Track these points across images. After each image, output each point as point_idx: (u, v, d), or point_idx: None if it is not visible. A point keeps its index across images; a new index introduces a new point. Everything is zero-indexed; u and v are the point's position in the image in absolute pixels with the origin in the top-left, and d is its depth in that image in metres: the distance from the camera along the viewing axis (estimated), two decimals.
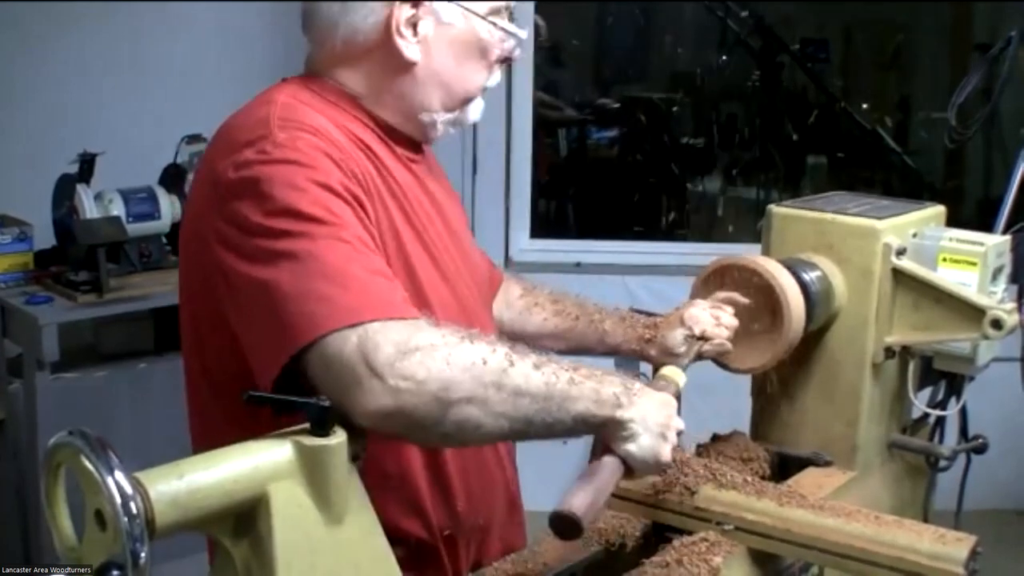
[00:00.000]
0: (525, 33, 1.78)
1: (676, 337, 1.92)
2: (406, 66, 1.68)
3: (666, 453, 1.55)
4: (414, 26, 1.66)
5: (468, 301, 1.79)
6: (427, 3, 1.65)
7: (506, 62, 1.79)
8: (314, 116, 1.62)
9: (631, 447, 1.53)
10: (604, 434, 1.54)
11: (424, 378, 1.39)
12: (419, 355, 1.40)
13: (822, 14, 6.80)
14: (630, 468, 1.55)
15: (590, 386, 1.50)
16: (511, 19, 1.76)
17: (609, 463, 1.54)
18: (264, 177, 1.49)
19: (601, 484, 1.51)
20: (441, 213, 1.80)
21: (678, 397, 1.66)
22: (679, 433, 1.58)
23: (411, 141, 1.78)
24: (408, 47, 1.66)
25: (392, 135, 1.74)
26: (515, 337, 1.98)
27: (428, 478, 1.72)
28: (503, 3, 1.73)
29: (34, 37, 3.93)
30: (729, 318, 1.88)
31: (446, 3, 1.67)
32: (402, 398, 1.39)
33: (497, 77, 1.79)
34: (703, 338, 1.88)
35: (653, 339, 1.98)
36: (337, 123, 1.65)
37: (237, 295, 1.52)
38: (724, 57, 6.55)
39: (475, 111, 1.79)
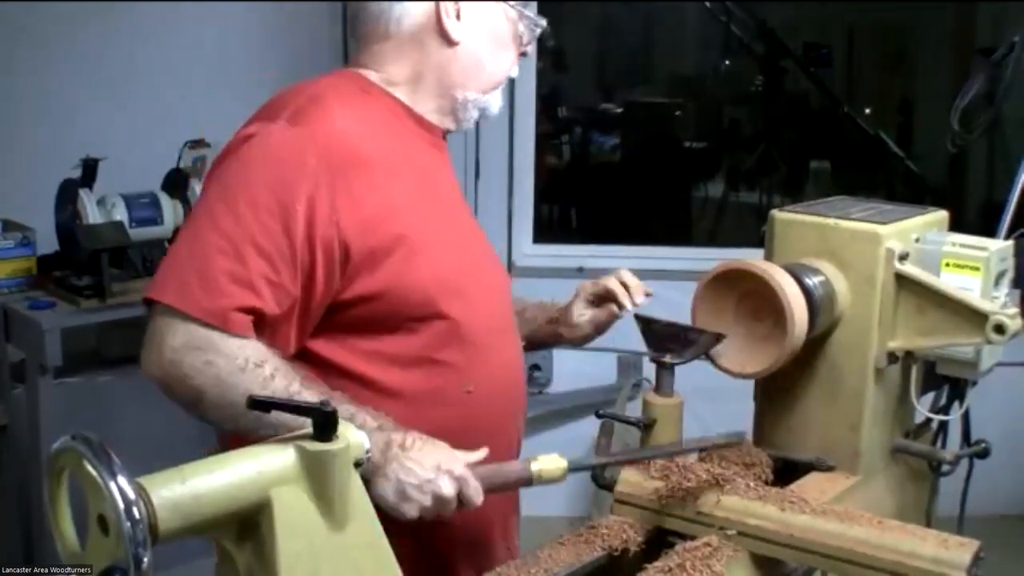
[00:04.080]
0: (542, 22, 1.99)
1: (575, 308, 2.17)
2: (450, 45, 1.89)
3: (408, 510, 1.65)
4: (458, 9, 1.88)
5: (486, 265, 2.01)
6: None
7: (521, 56, 2.00)
8: (339, 111, 1.80)
9: (376, 490, 1.63)
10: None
11: (194, 384, 1.68)
12: (196, 364, 1.66)
13: (825, 19, 6.80)
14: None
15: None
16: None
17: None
18: (241, 156, 1.75)
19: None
20: (454, 196, 2.03)
21: (527, 483, 1.74)
22: (440, 498, 1.66)
23: (436, 133, 1.96)
24: (454, 27, 1.88)
25: (421, 124, 1.93)
26: None
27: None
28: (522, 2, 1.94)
29: (37, 42, 3.93)
30: (630, 276, 2.11)
31: None
32: (166, 381, 1.72)
33: (516, 68, 2.00)
34: (602, 300, 2.11)
35: (559, 319, 2.18)
36: (370, 114, 1.85)
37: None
38: (727, 62, 6.55)
39: (496, 101, 1.98)
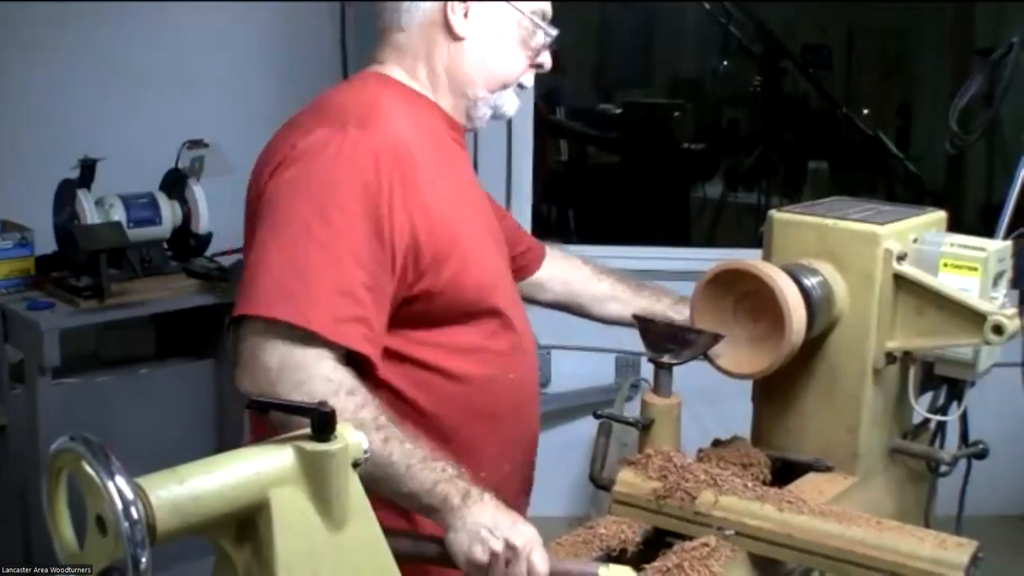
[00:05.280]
0: (554, 33, 2.02)
1: None
2: (456, 41, 1.95)
3: (479, 552, 1.67)
4: (466, 8, 1.94)
5: (506, 262, 2.10)
6: None
7: (538, 68, 2.04)
8: (394, 122, 1.84)
9: (449, 535, 1.69)
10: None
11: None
12: (291, 381, 1.65)
13: (824, 20, 6.80)
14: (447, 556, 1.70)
15: (426, 480, 1.69)
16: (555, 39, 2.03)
17: (432, 546, 1.73)
18: (321, 163, 1.75)
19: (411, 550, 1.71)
20: (479, 190, 2.11)
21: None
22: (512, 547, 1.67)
23: (458, 129, 2.03)
24: (460, 25, 1.94)
25: (446, 120, 1.99)
26: (581, 300, 2.39)
27: None
28: (540, 5, 1.99)
29: (35, 42, 3.93)
30: None
31: None
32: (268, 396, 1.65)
33: (531, 78, 2.05)
34: None
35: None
36: (412, 115, 1.91)
37: (255, 245, 1.76)
38: (726, 63, 6.55)
39: (510, 103, 2.03)
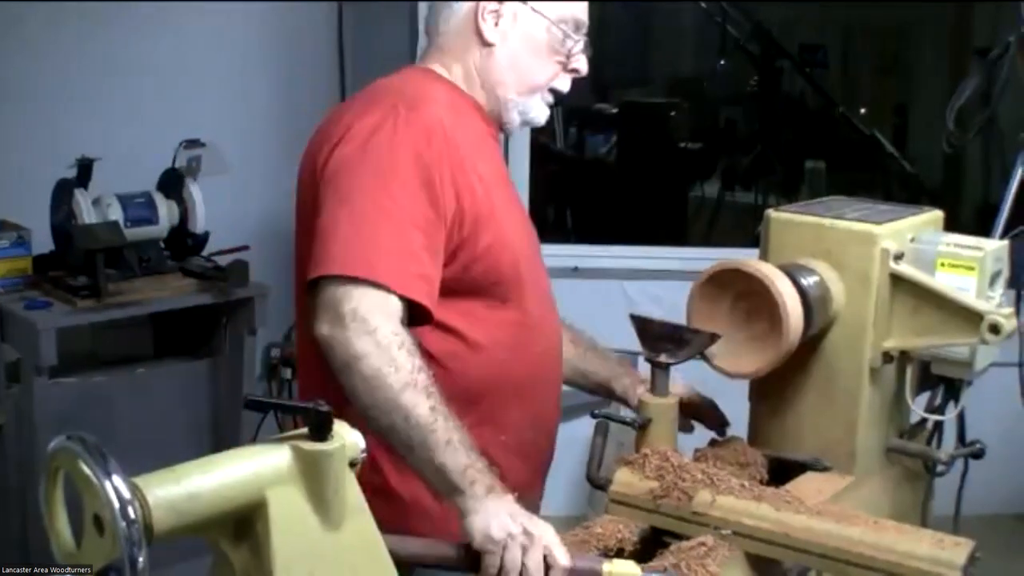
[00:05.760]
0: (581, 40, 2.09)
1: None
2: (487, 46, 2.06)
3: (496, 530, 1.69)
4: (497, 16, 2.04)
5: (537, 247, 2.18)
6: (508, 3, 2.04)
7: (574, 73, 2.11)
8: (437, 107, 1.96)
9: (469, 518, 1.72)
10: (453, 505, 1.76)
11: (351, 350, 1.75)
12: (360, 329, 1.75)
13: (821, 20, 6.80)
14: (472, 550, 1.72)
15: (452, 457, 1.73)
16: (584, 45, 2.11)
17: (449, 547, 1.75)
18: (379, 140, 1.88)
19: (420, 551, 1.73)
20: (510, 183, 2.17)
21: None
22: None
23: (493, 125, 2.13)
24: (489, 32, 2.05)
25: (483, 116, 2.10)
26: None
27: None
28: (571, 14, 2.07)
29: (31, 41, 3.92)
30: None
31: (520, 4, 2.04)
32: (328, 343, 1.77)
33: (566, 83, 2.12)
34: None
35: (620, 390, 2.29)
36: (454, 105, 2.02)
37: (324, 215, 1.88)
38: (723, 62, 6.54)
39: (539, 110, 2.11)
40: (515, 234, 2.05)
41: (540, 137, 5.29)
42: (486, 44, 2.06)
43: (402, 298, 1.80)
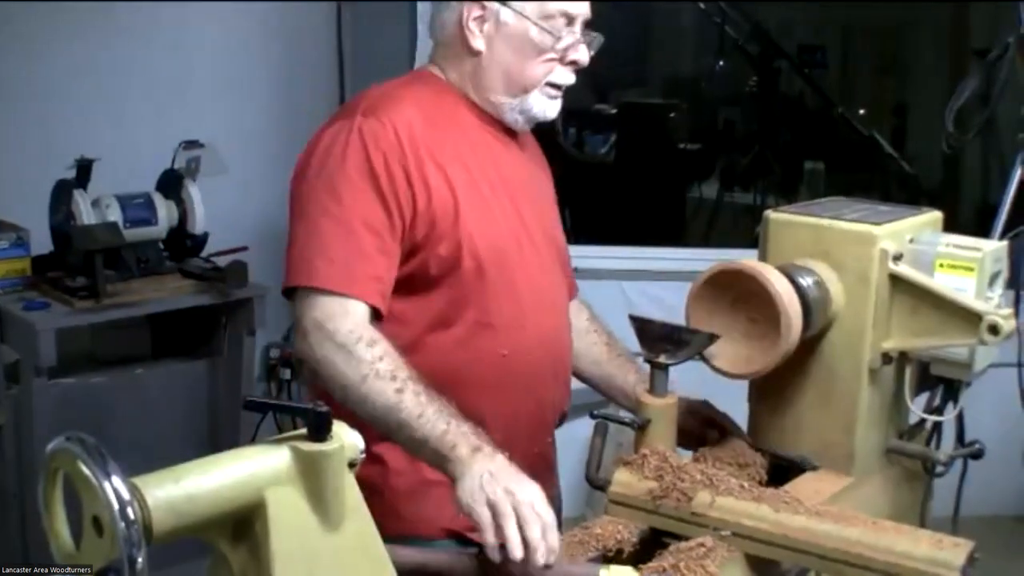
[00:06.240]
0: (571, 35, 2.07)
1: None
2: (474, 54, 2.07)
3: (479, 499, 1.70)
4: (482, 23, 2.05)
5: (543, 249, 2.15)
6: (490, 6, 2.04)
7: (573, 65, 2.10)
8: (403, 107, 2.01)
9: (457, 487, 1.75)
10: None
11: (314, 357, 1.87)
12: (320, 336, 1.86)
13: (819, 20, 6.80)
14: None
15: (438, 427, 1.79)
16: (585, 26, 2.09)
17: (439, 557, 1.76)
18: (332, 151, 1.96)
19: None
20: (519, 183, 2.15)
21: None
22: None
23: (497, 127, 2.13)
24: (474, 39, 2.06)
25: (482, 117, 2.12)
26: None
27: None
28: (558, 8, 2.04)
29: (31, 41, 3.92)
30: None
31: (503, 7, 2.04)
32: (303, 355, 1.89)
33: (566, 76, 2.10)
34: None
35: (627, 393, 2.24)
36: (434, 104, 2.06)
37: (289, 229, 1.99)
38: (721, 63, 6.54)
39: (540, 105, 2.10)
40: (494, 234, 2.04)
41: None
42: (473, 53, 2.07)
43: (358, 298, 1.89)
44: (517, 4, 2.04)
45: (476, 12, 2.05)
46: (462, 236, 1.98)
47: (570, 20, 2.07)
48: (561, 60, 2.08)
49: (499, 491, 1.68)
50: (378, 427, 1.81)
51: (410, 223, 1.96)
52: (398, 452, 1.91)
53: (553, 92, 2.11)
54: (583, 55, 2.10)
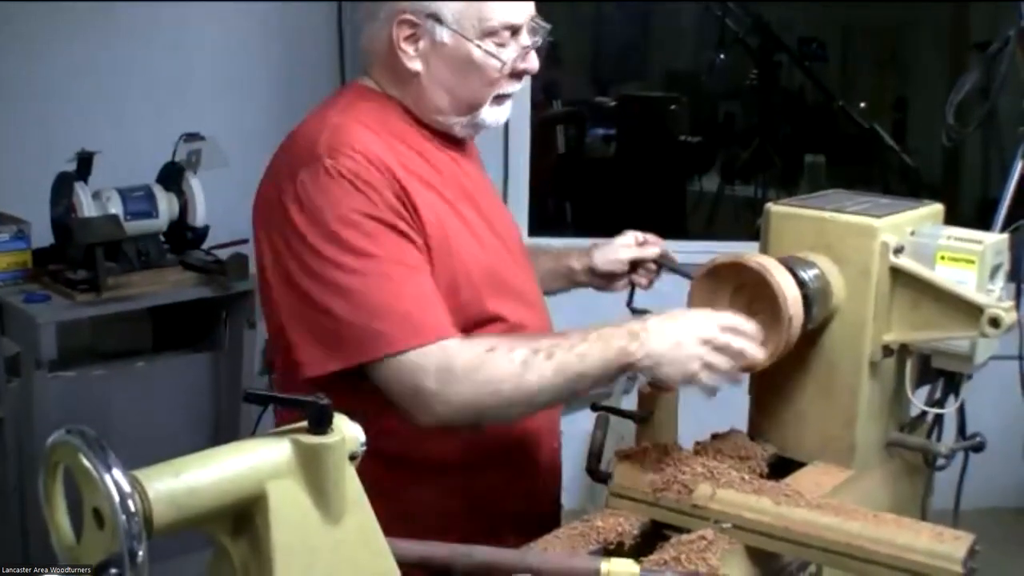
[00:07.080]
0: (517, 47, 1.91)
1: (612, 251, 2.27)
2: (412, 75, 1.90)
3: (691, 367, 1.75)
4: (415, 42, 1.87)
5: (505, 258, 2.01)
6: (422, 23, 1.85)
7: (523, 73, 1.95)
8: (361, 133, 1.83)
9: (658, 375, 1.77)
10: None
11: (458, 405, 1.75)
12: (454, 384, 1.73)
13: (820, 14, 6.80)
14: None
15: (597, 354, 1.75)
16: (534, 31, 1.93)
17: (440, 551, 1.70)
18: (314, 201, 1.77)
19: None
20: (478, 192, 2.02)
21: None
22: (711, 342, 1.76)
23: (441, 137, 1.97)
24: (409, 60, 1.88)
25: (428, 128, 1.95)
26: None
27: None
28: (500, 22, 1.87)
29: (31, 35, 3.92)
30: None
31: (438, 26, 1.85)
32: (447, 415, 1.75)
33: (514, 85, 1.95)
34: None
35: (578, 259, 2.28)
36: (383, 125, 1.89)
37: (290, 299, 1.81)
38: (722, 56, 6.54)
39: (492, 115, 1.95)
40: (485, 260, 1.94)
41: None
42: (410, 73, 1.90)
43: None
44: (454, 21, 1.86)
45: (406, 31, 1.87)
46: (456, 268, 1.87)
47: (515, 31, 1.90)
48: (510, 74, 1.93)
49: (694, 344, 1.75)
50: (563, 398, 1.83)
51: (424, 242, 1.83)
52: (398, 444, 1.84)
53: (503, 100, 1.96)
54: (532, 63, 1.94)
